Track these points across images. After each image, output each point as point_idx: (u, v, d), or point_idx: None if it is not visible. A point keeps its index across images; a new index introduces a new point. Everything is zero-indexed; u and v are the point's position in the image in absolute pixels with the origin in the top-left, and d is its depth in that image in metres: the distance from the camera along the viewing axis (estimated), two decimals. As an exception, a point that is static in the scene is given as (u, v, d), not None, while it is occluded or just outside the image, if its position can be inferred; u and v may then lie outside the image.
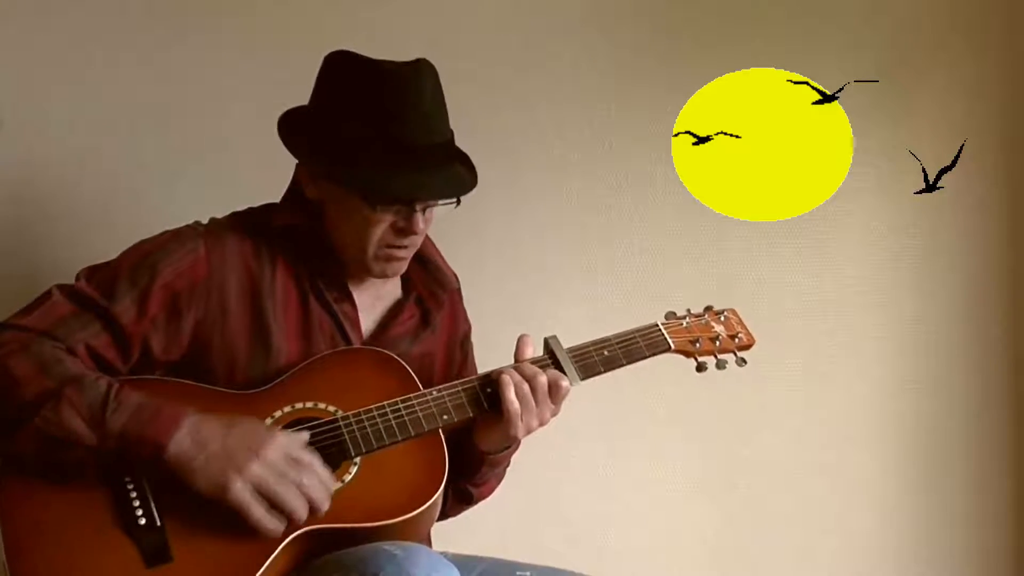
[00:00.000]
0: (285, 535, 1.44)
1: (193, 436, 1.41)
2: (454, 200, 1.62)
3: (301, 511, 1.43)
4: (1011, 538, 2.56)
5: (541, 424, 1.60)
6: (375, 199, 1.56)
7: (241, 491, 1.41)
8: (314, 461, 1.46)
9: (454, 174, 1.62)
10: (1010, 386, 2.55)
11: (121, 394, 1.43)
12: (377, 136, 1.54)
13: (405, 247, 1.62)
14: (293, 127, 1.63)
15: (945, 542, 2.54)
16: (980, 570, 2.55)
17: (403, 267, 1.66)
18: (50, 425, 1.40)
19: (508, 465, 1.75)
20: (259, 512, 1.42)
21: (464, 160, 1.67)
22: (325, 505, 1.45)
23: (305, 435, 1.50)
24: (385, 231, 1.59)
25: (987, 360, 2.54)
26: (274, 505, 1.42)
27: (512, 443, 1.67)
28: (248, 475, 1.41)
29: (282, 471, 1.43)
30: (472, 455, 1.67)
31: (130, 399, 1.43)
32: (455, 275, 1.78)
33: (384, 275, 1.65)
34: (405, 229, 1.59)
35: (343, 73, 1.59)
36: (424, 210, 1.60)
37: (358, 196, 1.56)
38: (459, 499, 1.75)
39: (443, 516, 1.74)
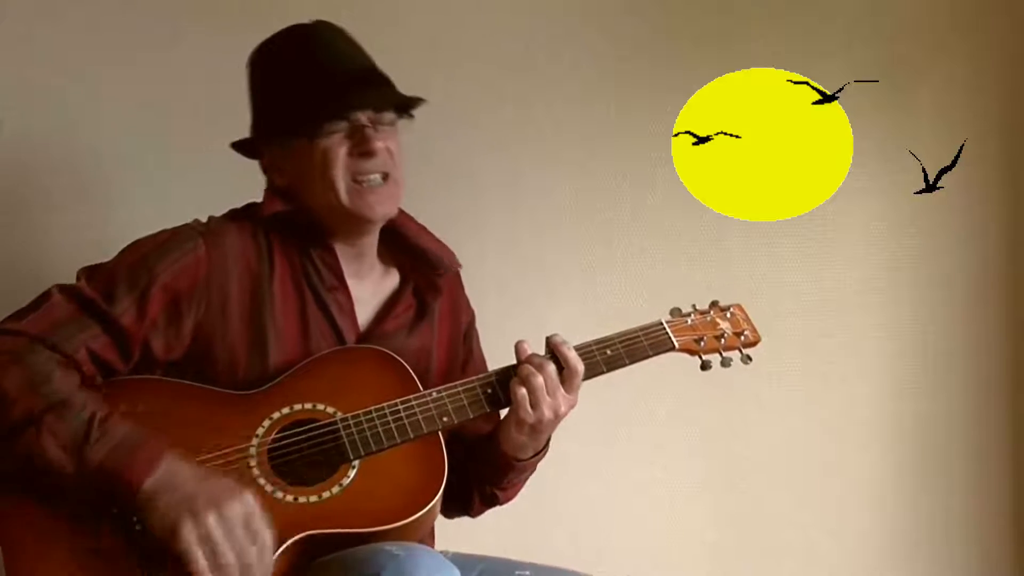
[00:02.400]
0: (284, 538, 1.42)
1: (166, 479, 1.38)
2: (404, 114, 1.64)
3: None
4: (1011, 538, 2.56)
5: (556, 415, 1.59)
6: (312, 128, 1.58)
7: (188, 535, 1.36)
8: (267, 542, 1.40)
9: (389, 89, 1.64)
10: (1010, 386, 2.55)
11: (106, 424, 1.40)
12: (302, 84, 1.60)
13: (375, 174, 1.61)
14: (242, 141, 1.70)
15: (945, 542, 2.54)
16: (980, 570, 2.55)
17: (387, 205, 1.63)
18: (31, 452, 1.38)
19: (534, 471, 1.73)
20: (200, 564, 1.36)
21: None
22: None
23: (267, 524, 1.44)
24: (345, 161, 1.59)
25: (987, 360, 2.55)
26: (213, 566, 1.37)
27: (540, 444, 1.66)
28: (200, 523, 1.36)
29: (233, 533, 1.38)
30: (501, 460, 1.66)
31: (114, 431, 1.40)
32: (454, 257, 1.75)
33: (371, 214, 1.62)
34: (362, 149, 1.59)
35: (256, 66, 1.68)
36: (375, 127, 1.60)
37: (303, 138, 1.59)
38: (484, 501, 1.74)
39: (466, 514, 1.76)
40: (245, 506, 1.39)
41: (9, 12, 1.97)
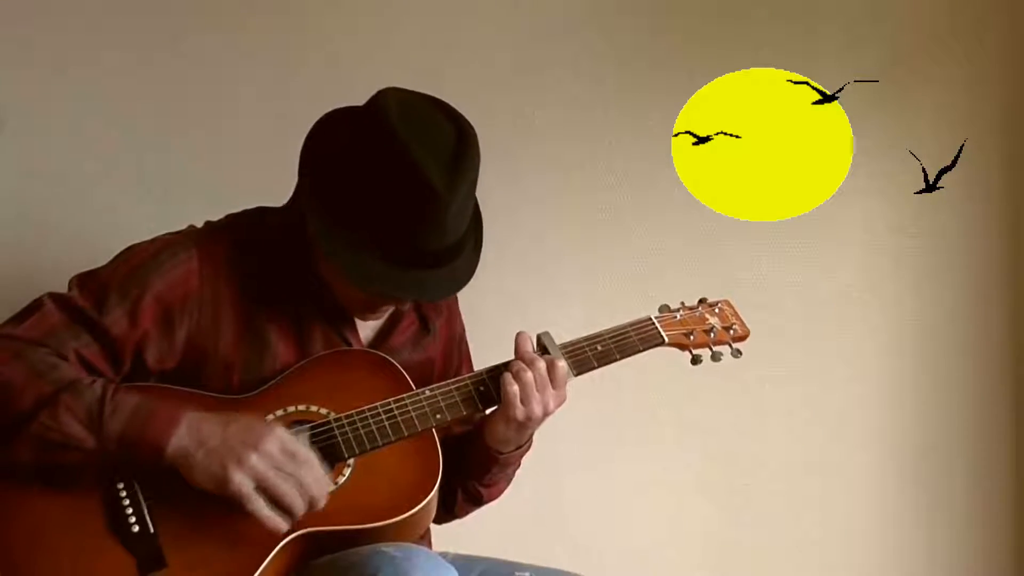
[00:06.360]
0: (282, 536, 1.44)
1: (192, 434, 1.41)
2: None
3: (298, 506, 1.43)
4: (1011, 538, 2.56)
5: (545, 412, 1.59)
6: (367, 288, 1.53)
7: (241, 483, 1.40)
8: (312, 457, 1.45)
9: (455, 271, 1.58)
10: (1010, 386, 2.55)
11: (117, 396, 1.42)
12: (390, 232, 1.49)
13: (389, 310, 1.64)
14: (317, 158, 1.55)
15: (945, 542, 2.54)
16: (980, 570, 2.55)
17: (385, 315, 1.66)
18: (49, 431, 1.39)
19: (518, 467, 1.74)
20: (259, 504, 1.41)
21: (477, 232, 1.64)
22: (322, 501, 1.45)
23: (305, 434, 1.50)
24: (369, 300, 1.58)
25: (987, 360, 2.54)
26: (273, 499, 1.42)
27: (523, 439, 1.66)
28: (247, 467, 1.40)
29: (280, 464, 1.42)
30: (483, 454, 1.66)
31: (126, 401, 1.42)
32: None
33: (364, 320, 1.64)
34: (392, 308, 1.62)
35: (381, 145, 1.49)
36: None
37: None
38: (468, 499, 1.74)
39: (452, 516, 1.74)
40: (278, 436, 1.44)
41: (10, 12, 1.98)
